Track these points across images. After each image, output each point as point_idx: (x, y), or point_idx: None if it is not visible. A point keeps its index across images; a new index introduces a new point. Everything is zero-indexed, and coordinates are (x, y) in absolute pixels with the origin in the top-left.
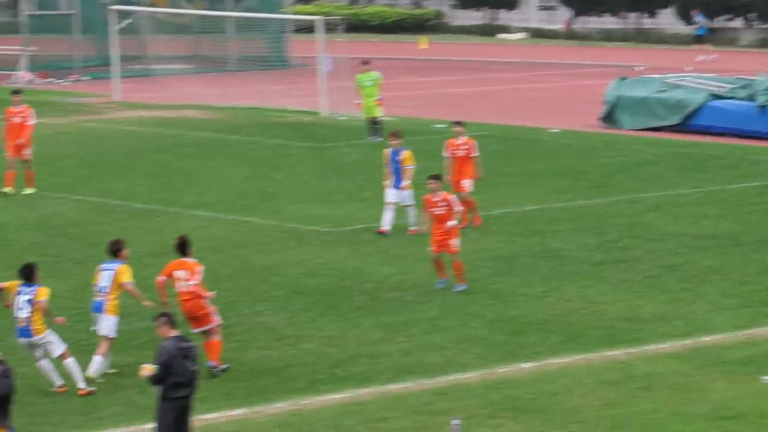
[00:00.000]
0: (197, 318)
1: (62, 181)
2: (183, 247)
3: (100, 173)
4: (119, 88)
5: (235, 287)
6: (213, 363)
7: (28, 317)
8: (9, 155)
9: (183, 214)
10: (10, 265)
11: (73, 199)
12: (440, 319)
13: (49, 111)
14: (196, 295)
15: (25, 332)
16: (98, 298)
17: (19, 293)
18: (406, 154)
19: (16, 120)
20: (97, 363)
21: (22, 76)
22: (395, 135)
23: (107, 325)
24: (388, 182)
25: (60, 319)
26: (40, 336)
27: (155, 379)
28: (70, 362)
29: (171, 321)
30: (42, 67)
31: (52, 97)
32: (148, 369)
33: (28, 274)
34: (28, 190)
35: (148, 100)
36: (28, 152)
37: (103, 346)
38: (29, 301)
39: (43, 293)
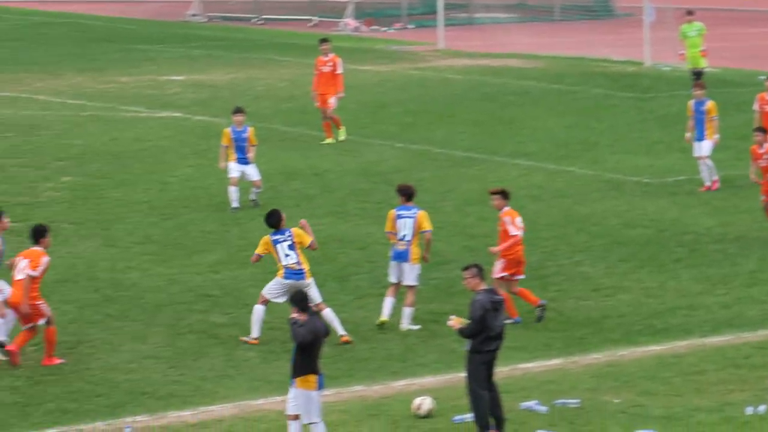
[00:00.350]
0: (522, 264)
1: (386, 129)
2: (508, 196)
3: (424, 121)
4: (443, 36)
5: (554, 236)
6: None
7: (298, 261)
8: (319, 106)
9: (504, 162)
10: (332, 212)
11: (396, 146)
12: (760, 272)
13: (374, 59)
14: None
15: (298, 274)
16: (401, 247)
17: (276, 242)
18: (710, 105)
19: (326, 69)
20: (408, 315)
21: (349, 23)
22: (699, 86)
23: (413, 274)
24: (689, 134)
25: (302, 222)
26: (308, 280)
27: (469, 333)
28: (328, 312)
29: (482, 273)
30: (368, 14)
31: (377, 45)
32: (457, 321)
33: (274, 223)
34: (341, 136)
35: (472, 49)
36: (333, 101)
37: (411, 296)
38: (291, 246)
39: (298, 233)
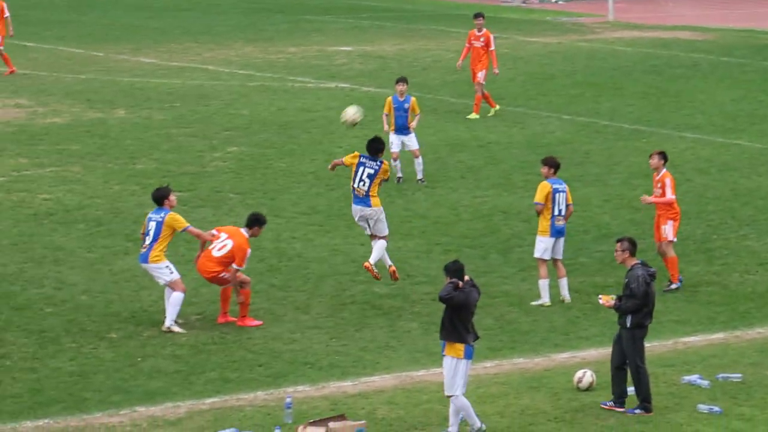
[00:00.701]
0: None
1: (553, 100)
2: (667, 157)
3: (591, 93)
4: (613, 8)
5: (720, 210)
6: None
7: (368, 190)
8: (474, 80)
9: (671, 135)
10: (497, 184)
11: (563, 118)
12: None
13: (542, 30)
14: None
15: (364, 201)
16: (561, 223)
17: (361, 164)
18: None
19: (477, 44)
20: (566, 285)
21: None
22: None
23: (563, 247)
24: None
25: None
26: (376, 209)
27: (633, 309)
28: (380, 243)
29: (634, 248)
30: None
31: (546, 16)
32: (606, 298)
33: (374, 150)
34: (473, 115)
35: (641, 21)
36: (481, 76)
37: (563, 267)
38: (370, 175)
39: (386, 169)
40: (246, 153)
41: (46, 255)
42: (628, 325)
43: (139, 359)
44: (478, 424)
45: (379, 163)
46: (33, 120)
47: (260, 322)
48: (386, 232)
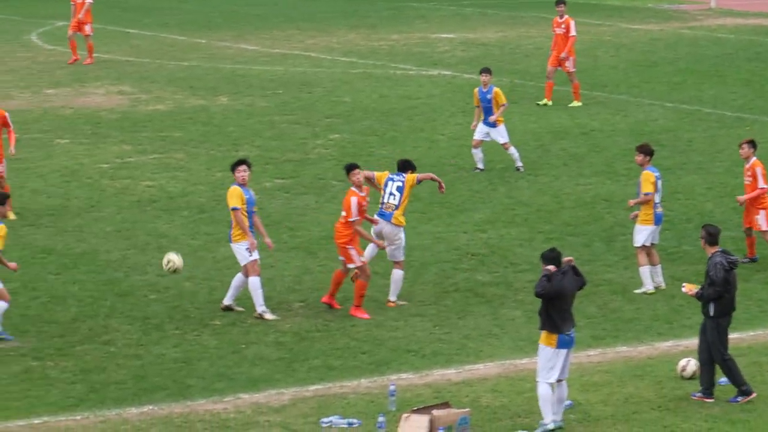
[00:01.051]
0: None
1: (656, 88)
2: (756, 146)
3: (693, 80)
4: None
5: None
6: None
7: (397, 204)
8: (549, 65)
9: None
10: (600, 172)
11: (666, 105)
12: None
13: (644, 18)
14: None
15: (386, 217)
16: (660, 210)
17: (390, 179)
18: None
19: (559, 31)
20: (660, 273)
21: None
22: None
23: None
24: None
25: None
26: (397, 226)
27: (714, 296)
28: (397, 276)
29: (712, 238)
30: None
31: (648, 4)
32: (690, 287)
33: (402, 167)
34: (575, 103)
35: (744, 8)
36: (569, 65)
37: (657, 254)
38: (399, 188)
39: (410, 178)
40: (348, 140)
41: (149, 242)
42: (712, 313)
43: (242, 346)
44: (548, 419)
45: (403, 176)
46: (136, 107)
47: (368, 317)
48: (402, 258)
